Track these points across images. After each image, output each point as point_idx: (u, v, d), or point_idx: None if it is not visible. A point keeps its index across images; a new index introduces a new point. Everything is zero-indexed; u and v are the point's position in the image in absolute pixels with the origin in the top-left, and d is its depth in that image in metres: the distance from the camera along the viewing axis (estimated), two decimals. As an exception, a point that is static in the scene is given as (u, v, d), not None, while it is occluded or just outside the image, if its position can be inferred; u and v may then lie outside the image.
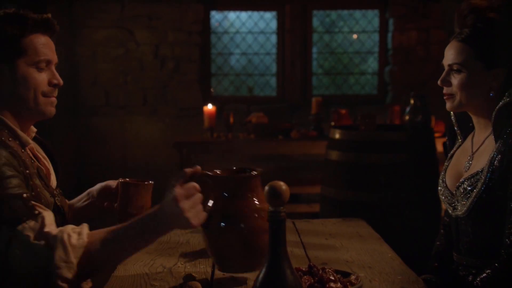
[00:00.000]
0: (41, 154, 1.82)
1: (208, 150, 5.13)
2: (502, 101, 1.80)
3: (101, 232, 1.53)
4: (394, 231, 3.11)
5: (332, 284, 1.34)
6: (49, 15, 1.71)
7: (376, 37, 6.49)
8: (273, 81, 6.53)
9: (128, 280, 1.57)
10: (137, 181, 1.77)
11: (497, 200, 1.77)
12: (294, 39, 6.38)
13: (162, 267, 1.67)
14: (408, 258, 1.90)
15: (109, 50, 5.95)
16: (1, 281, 1.47)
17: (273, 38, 6.47)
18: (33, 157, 1.72)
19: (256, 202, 1.54)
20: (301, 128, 5.16)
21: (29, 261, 1.45)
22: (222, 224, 1.50)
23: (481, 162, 1.84)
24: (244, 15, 6.48)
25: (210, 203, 1.54)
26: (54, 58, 1.72)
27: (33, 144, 1.78)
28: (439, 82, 1.89)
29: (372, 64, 6.57)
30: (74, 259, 1.46)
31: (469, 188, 1.83)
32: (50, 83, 1.70)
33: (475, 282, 1.78)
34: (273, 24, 6.46)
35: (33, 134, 1.79)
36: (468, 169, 1.89)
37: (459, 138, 2.03)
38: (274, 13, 6.45)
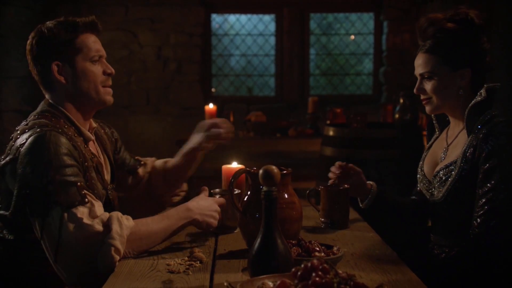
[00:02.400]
0: (99, 149, 2.07)
1: (209, 148, 5.29)
2: (474, 100, 2.02)
3: (147, 220, 1.82)
4: (385, 223, 3.30)
5: (316, 253, 1.57)
6: (94, 17, 1.99)
7: (371, 39, 6.63)
8: (271, 81, 6.65)
9: (141, 254, 1.80)
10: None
11: (469, 188, 1.98)
12: (292, 41, 6.49)
13: (170, 244, 1.90)
14: (398, 247, 2.09)
15: (114, 52, 6.04)
16: (55, 253, 1.71)
17: (272, 40, 6.59)
18: (94, 153, 1.98)
19: (286, 196, 1.78)
20: (298, 127, 5.29)
21: (82, 237, 1.69)
22: (257, 215, 1.73)
23: (455, 153, 2.05)
24: (243, 17, 6.59)
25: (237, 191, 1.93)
26: (104, 52, 2.00)
27: (95, 140, 2.04)
28: (415, 91, 2.11)
29: (368, 65, 6.70)
30: (125, 235, 1.71)
31: (444, 177, 2.05)
32: (104, 73, 1.98)
33: (446, 259, 2.01)
34: (272, 27, 6.57)
35: (94, 129, 2.06)
36: (444, 159, 2.11)
37: (436, 130, 2.24)
38: (272, 16, 6.55)
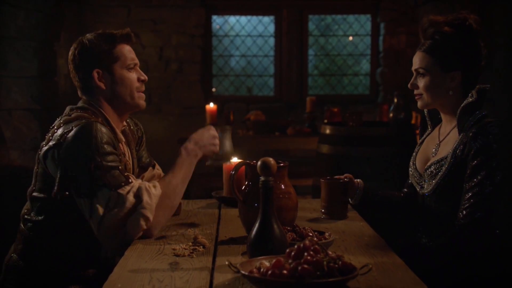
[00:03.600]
0: (127, 151, 2.23)
1: (210, 146, 5.40)
2: (466, 100, 2.14)
3: (167, 179, 2.05)
4: (379, 218, 3.42)
5: (309, 238, 1.71)
6: (128, 29, 2.17)
7: (368, 40, 6.75)
8: (271, 81, 6.77)
9: (149, 240, 1.94)
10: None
11: (457, 183, 2.10)
12: (291, 42, 6.61)
13: (176, 231, 2.04)
14: (388, 236, 2.21)
15: (116, 52, 6.19)
16: (98, 227, 1.89)
17: (271, 41, 6.71)
18: (125, 153, 2.16)
19: (283, 186, 1.92)
20: (297, 126, 5.40)
21: (120, 211, 1.88)
22: (256, 204, 1.85)
23: (446, 150, 2.18)
24: (243, 19, 6.71)
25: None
26: (137, 61, 2.20)
27: (124, 143, 2.20)
28: (409, 85, 2.24)
29: (365, 66, 6.83)
30: (154, 204, 1.92)
31: (435, 171, 2.17)
32: (138, 79, 2.17)
33: (432, 248, 2.14)
34: (271, 28, 6.69)
35: (123, 128, 2.24)
36: (435, 154, 2.23)
37: (429, 127, 2.38)
38: (272, 17, 6.67)
